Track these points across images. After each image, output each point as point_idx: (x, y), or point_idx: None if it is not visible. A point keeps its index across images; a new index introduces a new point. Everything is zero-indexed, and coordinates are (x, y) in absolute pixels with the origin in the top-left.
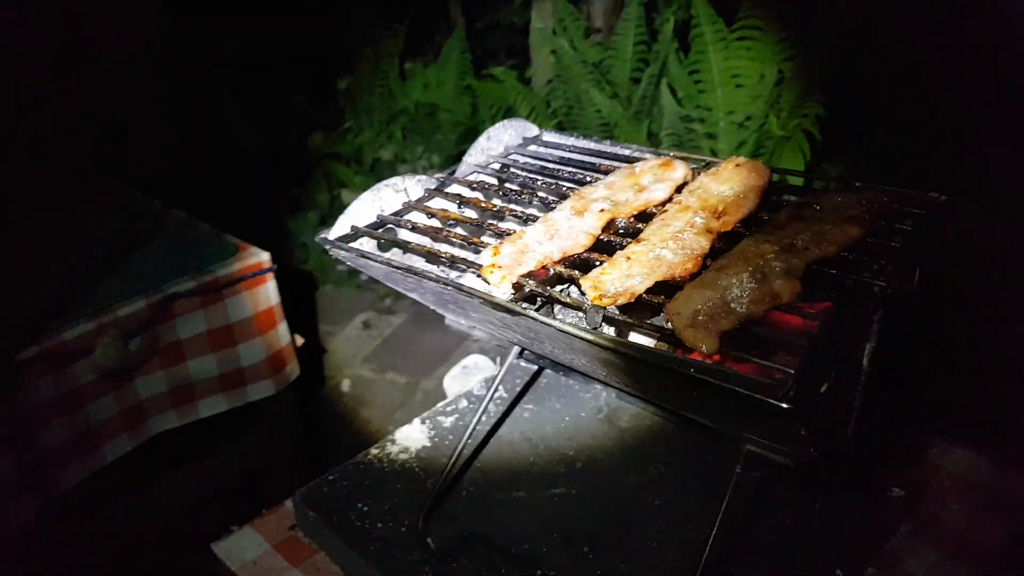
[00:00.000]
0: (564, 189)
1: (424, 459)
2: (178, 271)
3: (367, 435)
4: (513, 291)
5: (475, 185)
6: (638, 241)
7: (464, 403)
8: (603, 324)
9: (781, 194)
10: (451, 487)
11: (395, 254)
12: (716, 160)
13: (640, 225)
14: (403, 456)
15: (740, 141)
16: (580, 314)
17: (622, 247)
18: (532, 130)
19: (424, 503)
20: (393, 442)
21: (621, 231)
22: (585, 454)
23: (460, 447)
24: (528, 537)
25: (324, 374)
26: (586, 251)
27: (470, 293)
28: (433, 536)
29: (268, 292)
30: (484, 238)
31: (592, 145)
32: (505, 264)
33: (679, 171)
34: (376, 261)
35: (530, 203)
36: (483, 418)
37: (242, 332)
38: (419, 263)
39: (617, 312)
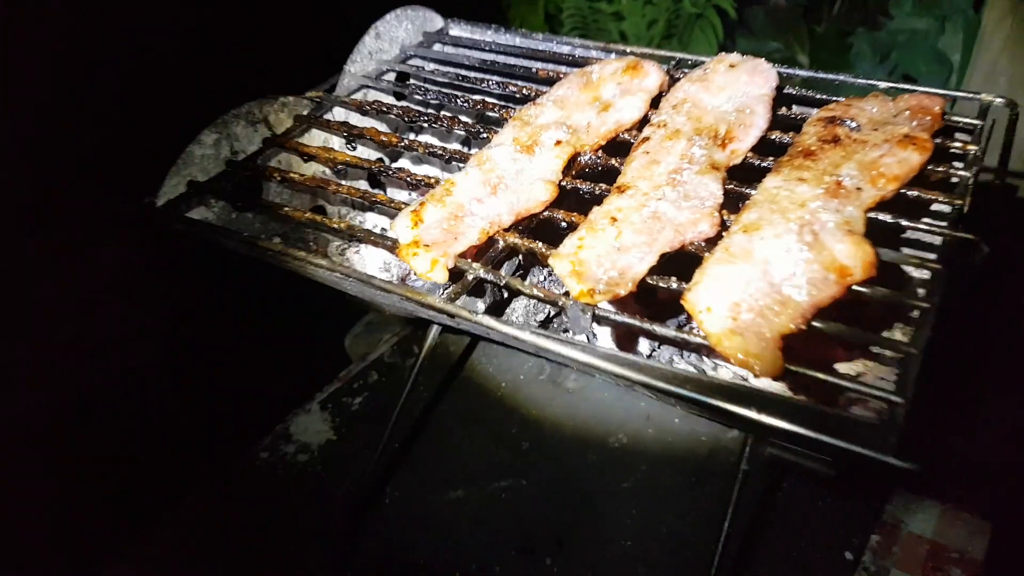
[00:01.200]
0: (496, 109)
1: (330, 458)
2: None
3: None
4: (449, 282)
5: (368, 107)
6: (620, 189)
7: (374, 376)
8: (593, 328)
9: (789, 103)
10: (371, 495)
11: (254, 223)
12: (689, 57)
13: (615, 161)
14: (302, 457)
15: (650, 20)
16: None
17: (597, 198)
18: (435, 21)
19: (336, 521)
20: (288, 438)
21: (588, 170)
22: (531, 430)
23: (383, 441)
24: (476, 552)
25: None
26: (547, 208)
27: (387, 290)
28: (353, 566)
29: None
30: (392, 193)
31: (519, 41)
32: (433, 240)
33: (652, 76)
34: (232, 239)
35: (451, 132)
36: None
37: None
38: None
39: (612, 310)
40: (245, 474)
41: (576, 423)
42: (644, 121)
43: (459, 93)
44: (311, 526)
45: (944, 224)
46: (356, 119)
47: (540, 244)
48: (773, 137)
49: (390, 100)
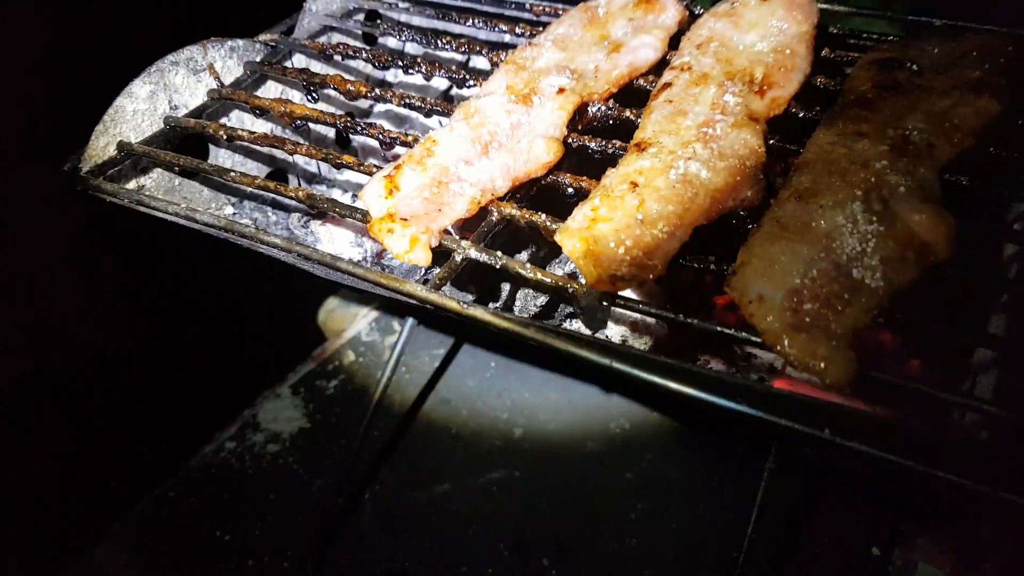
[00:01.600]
0: (486, 52)
1: (303, 448)
2: None
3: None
4: (433, 264)
5: (332, 51)
6: (640, 147)
7: (350, 356)
8: (608, 318)
9: (833, 45)
10: (350, 491)
11: (201, 190)
12: None
13: (629, 112)
14: (272, 448)
15: None
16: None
17: (610, 158)
18: None
19: (313, 521)
20: (256, 426)
21: (598, 124)
22: (523, 416)
23: (362, 429)
24: (465, 553)
25: None
26: (550, 170)
27: (356, 275)
28: (332, 569)
29: None
30: (364, 155)
31: None
32: (413, 213)
33: (670, 10)
34: (171, 215)
35: (431, 78)
36: (381, 385)
37: None
38: (248, 206)
39: (637, 300)
40: (209, 468)
41: (573, 407)
42: (662, 64)
43: (440, 34)
44: (283, 526)
45: None
46: (318, 66)
47: (543, 216)
48: (817, 83)
49: (358, 44)
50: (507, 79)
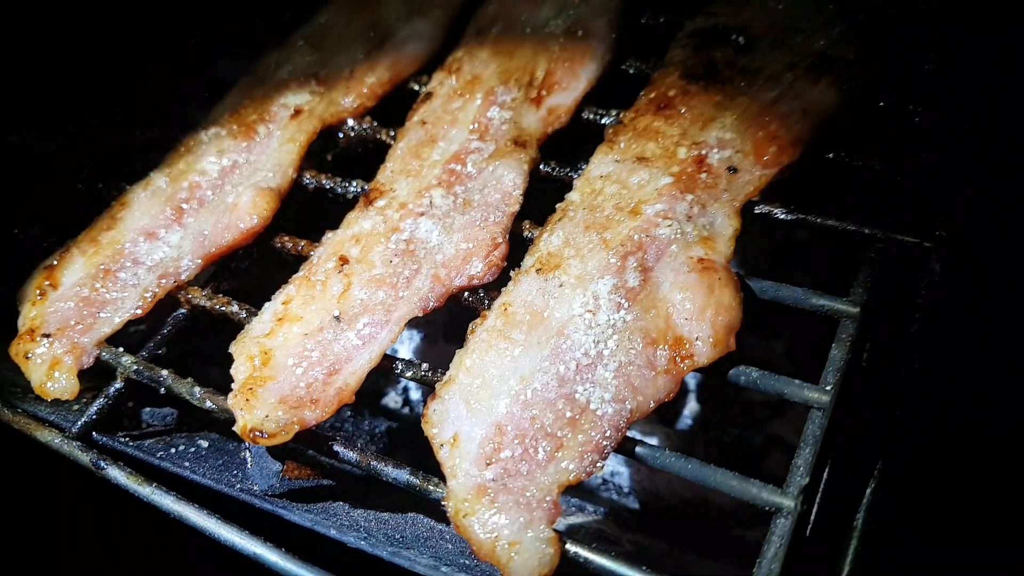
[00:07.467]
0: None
1: None
2: None
3: None
4: (86, 393)
5: None
6: (369, 198)
7: None
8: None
9: (660, 3)
10: None
11: None
12: None
13: (384, 135)
14: None
15: None
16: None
17: (350, 203)
18: None
19: None
20: None
21: (357, 148)
22: None
23: None
24: None
25: None
26: (258, 232)
27: None
28: None
29: None
30: None
31: None
32: (62, 321)
33: None
34: None
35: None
36: None
37: None
38: None
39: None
40: None
41: None
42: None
43: None
44: None
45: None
46: None
47: (236, 308)
48: (627, 68)
49: None
50: (236, 102)
